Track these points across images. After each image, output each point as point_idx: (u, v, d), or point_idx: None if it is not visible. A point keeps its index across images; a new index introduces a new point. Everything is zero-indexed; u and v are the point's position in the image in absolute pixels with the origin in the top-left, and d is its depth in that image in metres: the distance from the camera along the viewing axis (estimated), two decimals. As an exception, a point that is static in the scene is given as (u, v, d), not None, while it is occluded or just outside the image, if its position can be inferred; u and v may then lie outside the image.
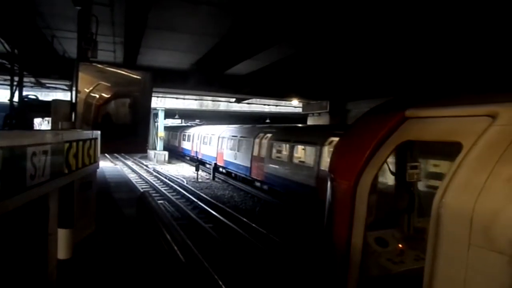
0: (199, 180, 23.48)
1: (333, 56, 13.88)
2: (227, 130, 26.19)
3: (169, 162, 34.45)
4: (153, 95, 9.34)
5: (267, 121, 38.92)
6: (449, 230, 1.80)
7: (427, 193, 3.26)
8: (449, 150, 3.00)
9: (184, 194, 17.71)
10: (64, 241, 4.05)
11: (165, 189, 19.33)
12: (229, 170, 23.92)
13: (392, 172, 3.24)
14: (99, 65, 7.22)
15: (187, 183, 21.03)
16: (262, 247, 10.06)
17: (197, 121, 52.69)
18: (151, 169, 27.16)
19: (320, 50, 12.92)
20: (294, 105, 31.20)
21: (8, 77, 7.95)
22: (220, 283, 5.35)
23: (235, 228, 11.69)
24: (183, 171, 28.49)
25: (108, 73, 7.31)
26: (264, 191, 18.74)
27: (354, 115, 20.42)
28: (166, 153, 35.41)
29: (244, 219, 12.55)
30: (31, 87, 15.82)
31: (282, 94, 22.55)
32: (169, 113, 39.27)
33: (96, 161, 4.95)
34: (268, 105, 34.55)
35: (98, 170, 5.45)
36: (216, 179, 23.99)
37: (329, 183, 2.83)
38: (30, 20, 9.51)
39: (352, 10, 8.41)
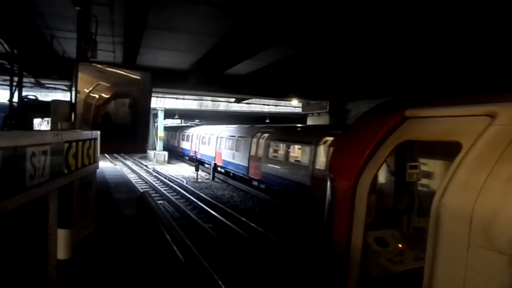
0: (199, 180, 23.48)
1: (332, 56, 13.89)
2: (225, 130, 26.46)
3: (168, 162, 34.44)
4: (152, 95, 9.36)
5: (267, 121, 38.92)
6: (448, 230, 1.81)
7: (426, 193, 3.27)
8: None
9: (184, 194, 17.71)
10: (63, 241, 4.04)
11: (164, 189, 19.33)
12: (227, 170, 24.12)
13: (391, 172, 3.24)
14: (99, 65, 7.21)
15: (186, 183, 21.02)
16: (262, 247, 10.06)
17: (196, 121, 52.69)
18: (151, 169, 27.16)
19: (319, 50, 12.93)
20: (293, 105, 31.20)
21: (8, 78, 7.95)
22: (220, 283, 5.35)
23: (234, 228, 11.69)
24: (182, 171, 28.49)
25: (108, 73, 7.31)
26: (264, 191, 18.74)
27: (354, 115, 20.43)
28: (166, 153, 35.40)
29: (244, 219, 12.56)
30: (31, 87, 15.85)
31: (281, 94, 22.55)
32: (169, 113, 39.26)
33: (95, 161, 4.95)
34: (268, 105, 34.55)
35: (97, 170, 5.44)
36: (216, 179, 23.99)
37: (328, 183, 2.83)
38: (30, 20, 9.50)
39: (352, 10, 8.41)
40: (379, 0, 8.07)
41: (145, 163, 31.26)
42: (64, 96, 17.64)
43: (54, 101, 6.23)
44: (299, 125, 23.20)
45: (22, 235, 3.14)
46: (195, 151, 32.38)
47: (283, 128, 20.58)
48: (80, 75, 6.42)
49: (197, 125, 43.89)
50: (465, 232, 1.70)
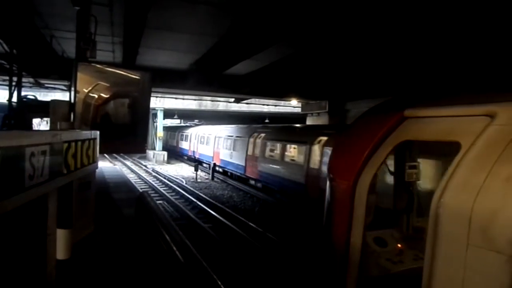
0: (198, 180, 23.47)
1: (332, 56, 13.89)
2: (223, 130, 26.80)
3: (168, 162, 34.43)
4: (152, 95, 9.36)
5: (266, 121, 38.92)
6: (447, 230, 1.81)
7: (426, 193, 3.27)
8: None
9: (183, 194, 17.71)
10: (63, 241, 4.04)
11: (164, 189, 19.32)
12: (225, 169, 24.37)
13: (391, 172, 3.25)
14: (98, 65, 7.20)
15: (186, 183, 21.02)
16: (262, 247, 10.06)
17: (196, 121, 52.65)
18: (150, 169, 27.15)
19: (319, 50, 12.93)
20: (293, 105, 31.21)
21: (7, 77, 7.94)
22: (219, 283, 5.34)
23: (234, 228, 11.69)
24: (182, 171, 28.48)
25: (107, 73, 7.30)
26: (264, 191, 18.79)
27: (353, 115, 20.44)
28: (165, 153, 35.40)
29: (243, 219, 12.56)
30: (30, 87, 15.84)
31: (281, 94, 22.56)
32: (168, 113, 39.24)
33: (95, 161, 4.95)
34: (267, 105, 34.55)
35: (97, 170, 5.44)
36: (215, 179, 23.99)
37: (328, 183, 2.83)
38: (29, 20, 9.49)
39: (351, 9, 8.41)
40: (379, 0, 8.07)
41: (144, 163, 31.25)
42: (63, 96, 17.64)
43: (53, 101, 6.22)
44: (294, 125, 23.52)
45: (21, 235, 3.14)
46: (194, 151, 32.64)
47: (279, 128, 20.93)
48: (79, 75, 6.41)
49: (196, 125, 43.94)
50: (464, 232, 1.70)
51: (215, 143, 26.82)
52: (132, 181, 20.31)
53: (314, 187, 14.12)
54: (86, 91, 6.56)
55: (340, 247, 2.52)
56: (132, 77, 7.62)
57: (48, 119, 6.66)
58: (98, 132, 5.14)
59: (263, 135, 19.67)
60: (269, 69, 16.44)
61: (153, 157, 34.55)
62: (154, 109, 34.00)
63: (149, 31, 11.15)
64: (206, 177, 25.05)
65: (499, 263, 1.57)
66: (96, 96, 6.71)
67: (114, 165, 27.71)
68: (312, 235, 10.21)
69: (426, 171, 3.30)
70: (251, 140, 20.61)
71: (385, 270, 2.80)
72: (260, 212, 15.01)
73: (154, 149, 36.31)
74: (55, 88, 17.40)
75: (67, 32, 11.04)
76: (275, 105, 34.58)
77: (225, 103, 33.46)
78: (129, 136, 7.46)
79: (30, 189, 2.87)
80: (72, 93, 6.58)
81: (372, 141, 2.43)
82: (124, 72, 7.80)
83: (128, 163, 31.83)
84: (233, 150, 23.09)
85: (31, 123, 8.05)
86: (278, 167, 17.40)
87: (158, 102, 32.83)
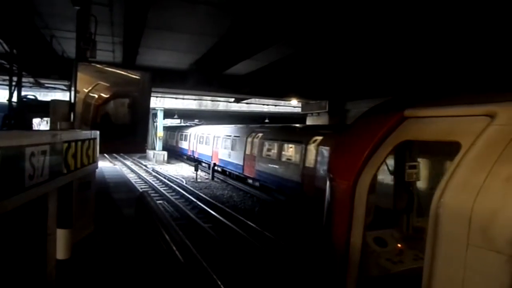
0: (198, 180, 23.48)
1: (332, 56, 13.89)
2: (221, 130, 27.18)
3: (168, 162, 34.43)
4: (152, 95, 9.35)
5: (266, 121, 38.91)
6: (447, 230, 1.81)
7: (426, 193, 3.27)
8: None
9: (183, 194, 17.71)
10: (63, 241, 4.04)
11: (164, 189, 19.32)
12: (224, 168, 24.66)
13: (391, 172, 3.25)
14: (98, 65, 7.20)
15: (186, 183, 21.03)
16: (262, 247, 10.06)
17: (196, 121, 52.64)
18: (150, 169, 27.15)
19: (319, 49, 12.93)
20: (293, 105, 31.20)
21: (7, 77, 7.94)
22: (219, 283, 5.34)
23: (234, 228, 11.69)
24: (182, 171, 28.48)
25: (107, 73, 7.30)
26: (263, 191, 18.83)
27: (354, 115, 20.44)
28: (165, 153, 35.42)
29: (243, 219, 12.56)
30: (30, 87, 15.84)
31: (281, 94, 22.57)
32: (168, 113, 39.24)
33: (95, 161, 4.95)
34: (267, 105, 34.54)
35: (97, 170, 5.44)
36: (215, 179, 24.00)
37: (328, 182, 2.83)
38: (29, 20, 9.48)
39: (351, 9, 8.41)
40: (379, 0, 8.07)
41: (144, 163, 31.25)
42: (63, 96, 17.64)
43: (53, 101, 6.21)
44: (291, 125, 23.94)
45: (21, 235, 3.14)
46: (193, 151, 32.97)
47: (276, 128, 21.33)
48: (79, 75, 6.41)
49: (196, 125, 44.03)
50: (464, 232, 1.70)
51: (213, 142, 27.17)
52: (132, 181, 20.31)
53: (310, 186, 14.44)
54: (86, 91, 6.56)
55: (340, 247, 2.52)
56: (132, 77, 7.62)
57: (48, 119, 6.65)
58: (98, 132, 5.14)
59: (260, 135, 20.05)
60: (269, 69, 16.44)
61: (153, 157, 34.55)
62: (154, 109, 34.00)
63: (149, 31, 11.15)
64: (206, 177, 25.05)
65: (499, 263, 1.57)
66: (96, 96, 6.71)
67: (114, 165, 27.71)
68: (311, 235, 10.21)
69: (425, 171, 3.30)
70: (249, 139, 20.97)
71: (385, 270, 2.80)
72: (260, 212, 15.01)
73: (154, 149, 36.31)
74: (55, 88, 17.40)
75: (67, 32, 11.03)
76: (275, 105, 34.57)
77: (225, 103, 33.46)
78: (129, 136, 7.46)
79: (30, 189, 2.87)
80: (72, 93, 6.57)
81: (372, 141, 2.43)
82: (124, 72, 7.80)
83: (128, 163, 31.83)
84: (232, 149, 23.43)
85: (31, 123, 8.05)
86: (275, 166, 17.77)
87: (158, 102, 32.83)
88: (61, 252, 4.02)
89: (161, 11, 9.53)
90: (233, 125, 28.27)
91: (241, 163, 21.55)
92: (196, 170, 24.59)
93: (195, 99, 32.61)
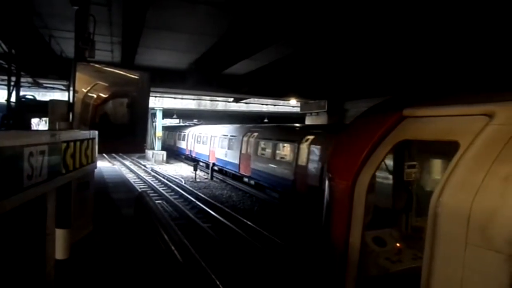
0: (197, 180, 23.48)
1: (331, 56, 13.89)
2: (218, 130, 27.74)
3: (167, 162, 34.42)
4: (151, 95, 9.34)
5: (265, 120, 38.91)
6: (446, 229, 1.81)
7: (425, 192, 3.27)
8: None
9: (182, 194, 17.71)
10: (61, 241, 4.03)
11: (163, 189, 19.32)
12: (220, 167, 25.09)
13: (390, 171, 3.25)
14: (97, 65, 7.18)
15: (185, 183, 21.02)
16: (261, 247, 10.06)
17: (195, 121, 52.62)
18: (149, 169, 27.14)
19: (318, 49, 12.93)
20: (292, 105, 31.19)
21: (5, 77, 7.92)
22: (218, 283, 5.34)
23: (233, 228, 11.69)
24: (181, 171, 28.47)
25: (106, 73, 7.28)
26: (262, 191, 18.87)
27: (353, 114, 20.44)
28: (164, 153, 35.44)
29: (242, 219, 12.56)
30: (29, 87, 15.77)
31: (280, 94, 22.58)
32: (167, 113, 39.24)
33: (93, 161, 4.94)
34: (266, 104, 34.55)
35: (96, 170, 5.44)
36: (214, 179, 24.00)
37: (327, 182, 2.83)
38: (28, 20, 9.46)
39: (350, 9, 8.41)
40: (378, 0, 8.08)
41: (143, 163, 31.24)
42: (62, 95, 17.64)
43: (52, 101, 6.20)
44: (285, 124, 24.54)
45: (20, 235, 3.14)
46: (191, 150, 33.46)
47: (271, 128, 22.00)
48: (78, 74, 6.39)
49: (195, 124, 44.12)
50: (462, 231, 1.71)
51: (211, 142, 27.71)
52: (131, 181, 20.31)
53: (302, 183, 14.95)
54: (85, 91, 6.54)
55: (339, 247, 2.52)
56: (131, 77, 7.60)
57: (47, 119, 6.64)
58: (96, 132, 5.13)
59: (255, 134, 20.64)
60: (268, 68, 16.44)
61: (152, 156, 34.53)
62: (153, 108, 33.98)
63: (148, 31, 11.13)
64: (205, 177, 25.05)
65: (497, 262, 1.57)
66: (95, 96, 6.69)
67: (113, 165, 27.69)
68: (311, 235, 10.22)
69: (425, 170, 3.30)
70: (245, 139, 21.50)
71: (384, 269, 2.80)
72: (259, 211, 15.02)
73: (153, 148, 36.29)
74: (53, 88, 17.36)
75: (66, 32, 11.02)
76: (274, 105, 34.57)
77: (224, 103, 33.47)
78: (128, 136, 7.44)
79: (29, 189, 2.86)
80: (71, 93, 6.57)
81: (371, 140, 2.43)
82: (123, 72, 7.78)
83: (127, 163, 31.81)
84: (228, 149, 23.92)
85: (29, 123, 8.04)
86: (269, 164, 18.34)
87: (157, 101, 32.82)
88: (60, 252, 4.01)
89: (160, 11, 9.52)
90: (229, 125, 28.72)
91: (237, 162, 22.07)
92: (195, 170, 24.61)
93: (194, 99, 32.62)
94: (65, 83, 14.89)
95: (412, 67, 13.65)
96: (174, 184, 20.63)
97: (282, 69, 16.75)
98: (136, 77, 7.60)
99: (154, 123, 36.63)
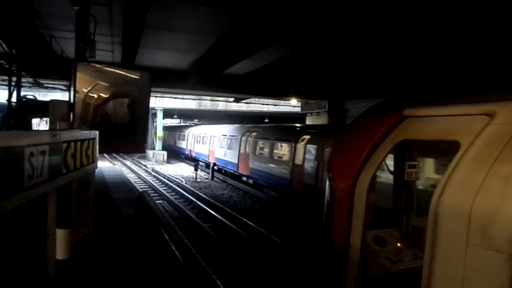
0: (198, 180, 23.48)
1: (331, 56, 13.88)
2: (217, 130, 28.16)
3: (168, 162, 34.43)
4: (151, 95, 9.35)
5: (266, 120, 38.89)
6: (447, 229, 1.81)
7: (425, 192, 3.27)
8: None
9: (183, 194, 17.71)
10: (62, 241, 4.04)
11: (164, 189, 19.32)
12: (220, 167, 25.37)
13: (390, 171, 3.25)
14: (97, 65, 7.19)
15: (186, 183, 21.03)
16: (262, 246, 10.06)
17: (195, 121, 52.63)
18: (150, 169, 27.15)
19: (318, 49, 12.92)
20: (293, 105, 31.17)
21: (6, 77, 7.93)
22: (218, 282, 5.34)
23: (234, 228, 11.69)
24: (182, 171, 28.48)
25: (106, 73, 7.29)
26: (257, 188, 19.24)
27: (353, 114, 20.45)
28: (165, 153, 35.48)
29: (243, 219, 12.56)
30: (29, 87, 15.81)
31: (280, 94, 22.58)
32: (168, 113, 39.26)
33: (94, 161, 4.94)
34: (267, 104, 34.54)
35: (96, 170, 5.44)
36: (215, 179, 24.00)
37: (327, 182, 2.83)
38: (28, 20, 9.48)
39: (350, 9, 8.41)
40: (378, 0, 8.07)
41: (144, 163, 31.25)
42: (62, 96, 17.64)
43: (52, 101, 6.21)
44: (282, 124, 24.90)
45: (21, 235, 3.14)
46: (190, 150, 33.83)
47: (268, 128, 22.39)
48: (78, 75, 6.40)
49: (196, 124, 44.21)
50: (463, 231, 1.70)
51: (210, 142, 28.11)
52: (132, 181, 20.31)
53: (298, 182, 15.31)
54: (86, 91, 6.55)
55: (340, 247, 2.52)
56: (131, 77, 7.61)
57: (48, 119, 6.65)
58: (97, 132, 5.14)
59: (254, 134, 20.99)
60: (268, 68, 16.44)
61: (153, 156, 34.55)
62: (153, 108, 33.99)
63: (148, 31, 11.13)
64: (206, 177, 25.06)
65: (498, 262, 1.57)
66: (96, 96, 6.70)
67: (114, 165, 27.70)
68: (311, 235, 10.21)
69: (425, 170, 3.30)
70: (243, 139, 21.87)
71: (384, 269, 2.80)
72: (260, 211, 15.02)
73: (154, 148, 36.31)
74: (54, 88, 17.38)
75: (67, 32, 11.02)
76: (275, 105, 34.56)
77: (224, 103, 33.46)
78: (129, 136, 7.45)
79: (30, 189, 2.87)
80: (72, 93, 6.57)
81: (371, 140, 2.43)
82: (124, 72, 7.79)
83: (128, 163, 31.82)
84: (227, 148, 24.26)
85: (30, 123, 8.04)
86: (266, 164, 18.69)
87: (158, 101, 32.83)
88: (61, 252, 4.01)
89: (160, 11, 9.52)
90: (228, 125, 29.08)
91: (235, 161, 22.42)
92: (196, 170, 24.62)
93: (194, 99, 32.63)
94: (65, 83, 14.89)
95: (413, 67, 13.64)
96: (174, 184, 20.63)
97: (283, 69, 16.75)
98: (136, 77, 7.61)
99: (154, 123, 36.65)
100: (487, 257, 1.62)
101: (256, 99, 31.90)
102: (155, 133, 36.81)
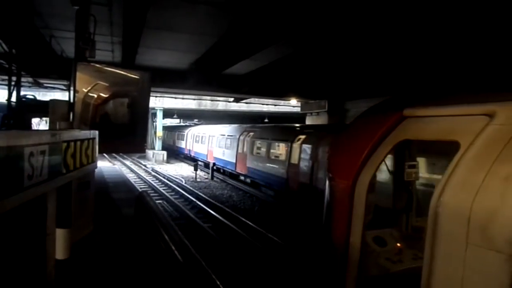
0: (198, 179, 23.49)
1: (331, 56, 13.89)
2: (216, 130, 28.44)
3: (167, 162, 34.43)
4: (151, 94, 9.35)
5: (266, 120, 38.90)
6: (446, 229, 1.81)
7: (425, 192, 3.27)
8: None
9: (183, 194, 17.71)
10: (62, 241, 4.04)
11: (163, 189, 19.32)
12: (218, 166, 25.61)
13: (390, 171, 3.25)
14: (97, 65, 7.19)
15: (185, 183, 21.03)
16: (261, 246, 10.06)
17: (195, 120, 52.63)
18: (150, 169, 27.14)
19: (318, 49, 12.93)
20: (292, 105, 31.19)
21: (6, 77, 7.93)
22: (218, 283, 5.34)
23: (234, 228, 11.69)
24: (181, 170, 28.49)
25: (106, 73, 7.29)
26: (254, 187, 19.42)
27: (353, 114, 20.47)
28: (165, 152, 35.50)
29: (243, 219, 12.56)
30: (29, 87, 15.81)
31: (280, 94, 22.61)
32: (168, 113, 39.27)
33: (94, 161, 4.94)
34: (267, 104, 34.55)
35: (96, 170, 5.44)
36: (215, 179, 24.00)
37: (327, 182, 2.83)
38: (28, 20, 9.48)
39: (350, 9, 8.41)
40: (378, 0, 8.07)
41: (144, 163, 31.24)
42: (62, 95, 17.63)
43: (52, 100, 6.21)
44: (279, 124, 25.24)
45: (20, 235, 3.14)
46: (189, 149, 34.05)
47: (266, 127, 22.65)
48: (78, 74, 6.40)
49: (196, 124, 44.27)
50: (463, 231, 1.70)
51: (209, 142, 28.39)
52: (132, 180, 20.30)
53: (294, 181, 15.60)
54: (85, 90, 6.55)
55: (339, 247, 2.52)
56: (131, 76, 7.61)
57: (47, 118, 6.65)
58: (97, 132, 5.14)
59: (252, 134, 21.24)
60: (268, 68, 16.44)
61: (153, 156, 34.55)
62: (153, 108, 33.99)
63: (148, 31, 11.14)
64: (206, 177, 25.06)
65: (498, 262, 1.57)
66: (95, 95, 6.70)
67: (114, 164, 27.70)
68: (311, 235, 10.22)
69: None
70: (241, 138, 22.16)
71: (384, 269, 2.80)
72: (260, 211, 15.03)
73: (154, 148, 36.31)
74: (54, 88, 17.38)
75: (67, 32, 11.02)
76: (275, 105, 34.58)
77: (224, 103, 33.48)
78: (129, 135, 7.45)
79: (29, 188, 2.87)
80: (71, 92, 6.57)
81: (371, 140, 2.43)
82: (124, 71, 7.79)
83: (128, 162, 31.82)
84: (225, 148, 24.52)
85: (30, 123, 8.05)
86: (264, 163, 18.97)
87: (158, 101, 32.84)
88: (60, 252, 4.01)
89: (160, 11, 9.52)
90: (226, 125, 29.32)
91: (233, 160, 22.70)
92: (196, 169, 24.63)
93: (194, 99, 32.65)
94: (65, 83, 14.89)
95: (413, 67, 13.65)
96: (174, 184, 20.63)
97: (282, 69, 16.76)
98: (136, 77, 7.61)
99: (154, 123, 36.66)
100: (487, 257, 1.62)
101: (256, 99, 31.92)
102: (155, 133, 36.82)
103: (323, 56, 13.97)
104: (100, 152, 5.54)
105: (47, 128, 8.70)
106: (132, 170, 27.12)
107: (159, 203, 14.15)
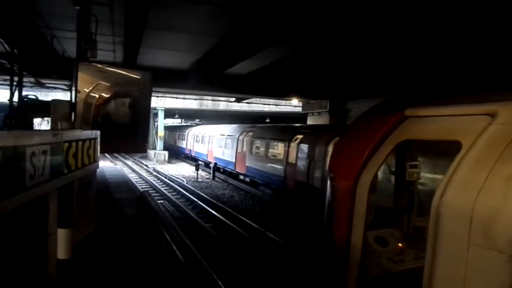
0: (199, 179, 23.51)
1: (332, 55, 13.87)
2: (216, 130, 28.81)
3: (169, 161, 34.47)
4: (153, 94, 9.35)
5: (267, 120, 38.89)
6: (448, 229, 1.80)
7: (427, 192, 3.27)
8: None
9: (184, 194, 17.72)
10: (63, 241, 4.04)
11: (165, 189, 19.33)
12: (218, 166, 25.86)
13: (391, 171, 3.24)
14: (99, 65, 7.20)
15: (187, 183, 21.04)
16: (263, 246, 10.06)
17: (197, 120, 52.65)
18: (151, 169, 27.17)
19: (319, 49, 12.91)
20: (294, 105, 31.15)
21: (8, 77, 7.94)
22: (220, 283, 5.35)
23: (235, 228, 11.69)
24: (183, 170, 28.51)
25: (108, 73, 7.30)
26: (253, 186, 19.56)
27: (354, 114, 20.46)
28: (166, 152, 35.57)
29: (244, 219, 12.56)
30: (31, 87, 15.83)
31: (281, 94, 22.61)
32: (169, 113, 39.33)
33: (95, 161, 4.95)
34: (268, 104, 34.55)
35: (98, 170, 5.45)
36: (216, 179, 24.01)
37: (328, 182, 2.83)
38: (30, 20, 9.48)
39: (351, 9, 8.40)
40: (379, 0, 8.06)
41: (145, 163, 31.28)
42: (64, 95, 17.63)
43: (54, 100, 6.23)
44: (277, 124, 25.51)
45: (22, 235, 3.14)
46: (190, 149, 34.34)
47: (264, 127, 22.98)
48: (80, 74, 6.42)
49: (197, 124, 44.34)
50: (465, 231, 1.70)
51: (209, 141, 28.75)
52: (133, 180, 20.33)
53: (291, 180, 15.88)
54: (87, 90, 6.56)
55: (340, 247, 2.52)
56: (133, 76, 7.63)
57: (49, 118, 6.66)
58: (99, 132, 5.14)
59: (251, 134, 21.61)
60: (270, 68, 16.44)
61: (154, 156, 34.58)
62: (155, 108, 34.02)
63: (149, 31, 11.14)
64: (207, 177, 25.07)
65: (500, 262, 1.57)
66: (97, 95, 6.72)
67: (115, 164, 27.74)
68: (312, 235, 10.21)
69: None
70: (240, 138, 22.51)
71: (386, 269, 2.80)
72: (261, 211, 15.03)
73: (155, 148, 36.36)
74: (56, 88, 17.38)
75: (68, 32, 11.03)
76: (276, 105, 34.57)
77: (225, 103, 33.49)
78: (130, 135, 7.47)
79: (31, 188, 2.87)
80: (73, 92, 6.59)
81: (372, 140, 2.43)
82: (125, 72, 7.81)
83: (129, 162, 31.86)
84: (225, 148, 24.87)
85: (32, 123, 8.06)
86: (262, 162, 19.31)
87: (159, 101, 32.89)
88: (62, 252, 4.02)
89: (161, 11, 9.52)
90: (226, 125, 29.70)
91: (233, 160, 23.06)
92: (197, 169, 24.66)
93: (195, 99, 32.67)
94: (67, 83, 14.90)
95: (414, 67, 13.62)
96: (176, 184, 20.65)
97: (284, 69, 16.75)
98: (138, 77, 7.63)
99: (156, 123, 36.70)
100: (489, 257, 1.61)
101: (257, 99, 31.91)
102: (157, 133, 36.87)
103: (325, 56, 13.95)
104: (102, 152, 5.54)
105: (48, 128, 8.72)
106: (133, 170, 27.15)
107: (161, 203, 14.16)
